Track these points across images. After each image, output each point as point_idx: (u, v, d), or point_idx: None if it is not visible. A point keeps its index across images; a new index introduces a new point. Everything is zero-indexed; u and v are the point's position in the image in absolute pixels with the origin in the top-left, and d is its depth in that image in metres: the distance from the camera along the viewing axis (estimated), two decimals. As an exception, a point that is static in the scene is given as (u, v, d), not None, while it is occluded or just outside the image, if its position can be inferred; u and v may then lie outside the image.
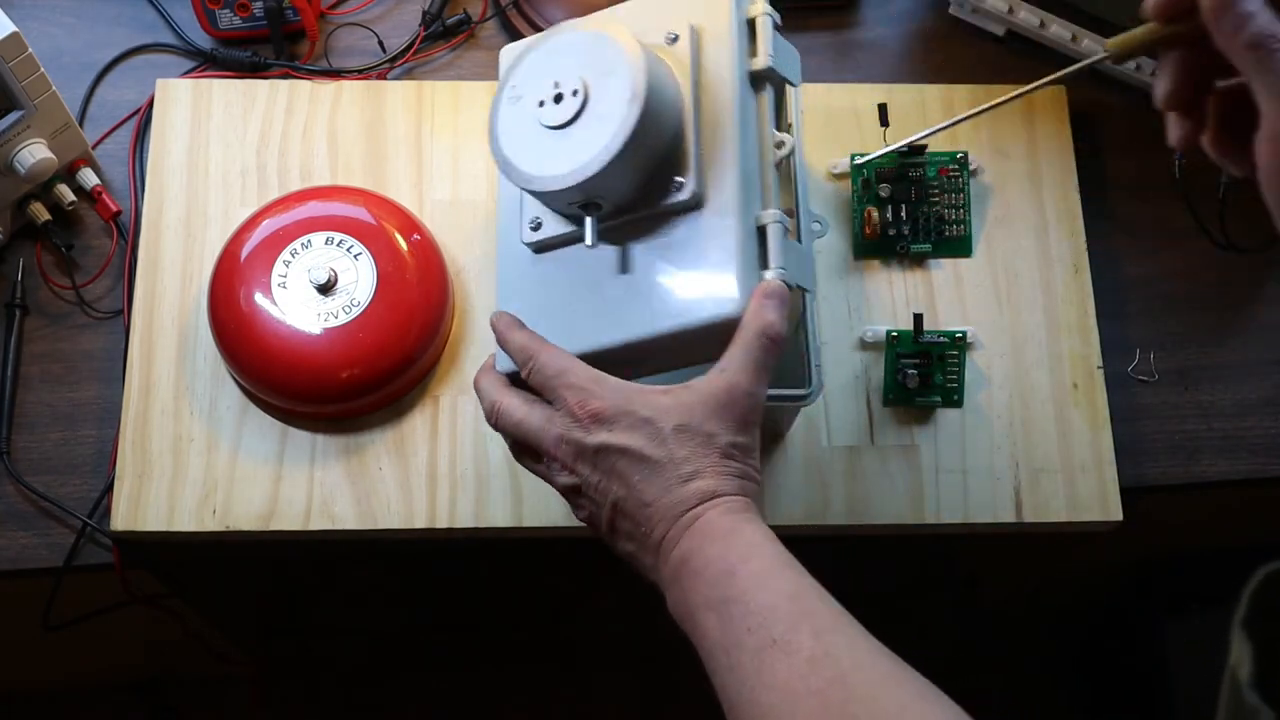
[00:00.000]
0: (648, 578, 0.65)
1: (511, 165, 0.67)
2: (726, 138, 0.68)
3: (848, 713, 0.54)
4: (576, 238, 0.70)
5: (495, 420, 0.69)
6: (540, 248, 0.72)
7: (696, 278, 0.67)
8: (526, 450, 0.69)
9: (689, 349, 0.69)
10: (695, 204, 0.67)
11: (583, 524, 0.86)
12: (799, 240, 0.72)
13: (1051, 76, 0.70)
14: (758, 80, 0.71)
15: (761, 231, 0.68)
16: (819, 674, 0.56)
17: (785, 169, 0.74)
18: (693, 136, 0.67)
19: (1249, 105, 0.54)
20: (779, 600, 0.59)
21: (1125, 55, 0.62)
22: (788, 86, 0.75)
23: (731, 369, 0.64)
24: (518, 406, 0.68)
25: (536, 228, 0.72)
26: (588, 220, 0.67)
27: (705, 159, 0.68)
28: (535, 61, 0.69)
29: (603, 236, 0.68)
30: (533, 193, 0.68)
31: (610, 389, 0.65)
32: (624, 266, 0.69)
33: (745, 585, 0.60)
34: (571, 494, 0.67)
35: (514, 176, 0.67)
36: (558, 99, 0.66)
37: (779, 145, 0.70)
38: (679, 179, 0.67)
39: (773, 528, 0.85)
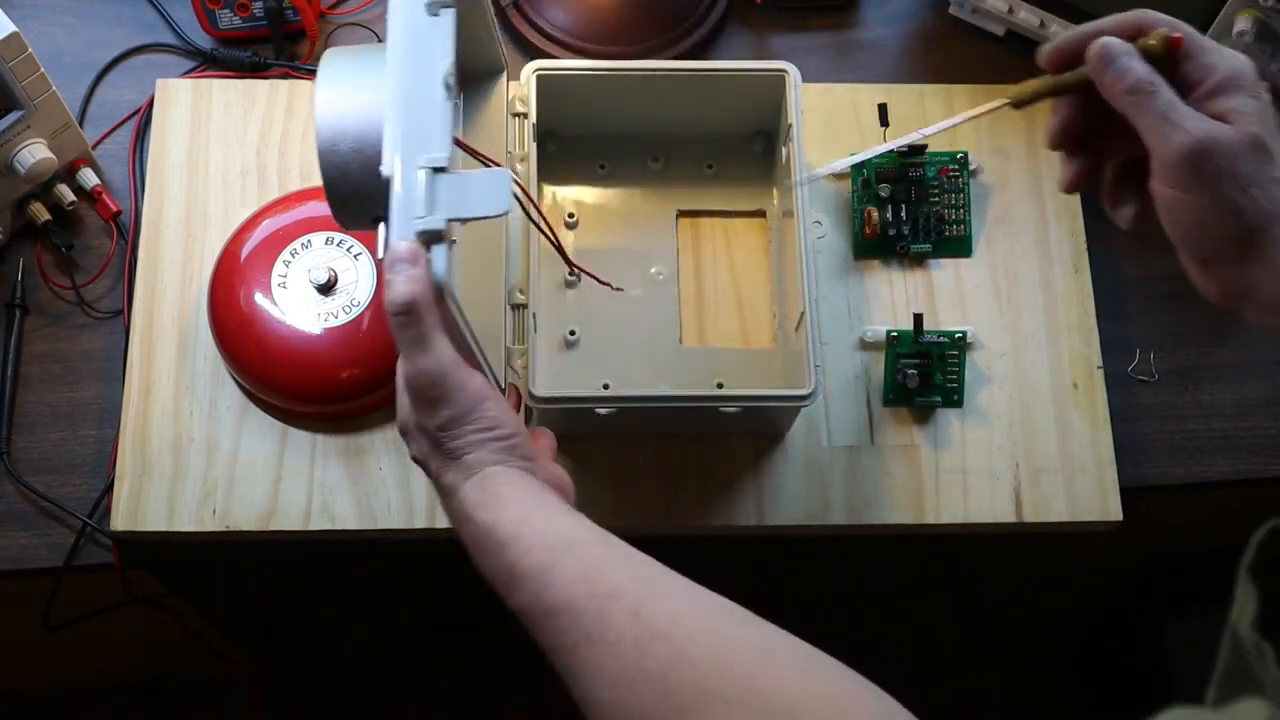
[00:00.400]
0: None
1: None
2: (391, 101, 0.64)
3: (704, 688, 0.52)
4: None
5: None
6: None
7: None
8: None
9: None
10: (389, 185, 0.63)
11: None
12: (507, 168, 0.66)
13: (962, 116, 0.73)
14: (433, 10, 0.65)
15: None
16: (652, 656, 0.53)
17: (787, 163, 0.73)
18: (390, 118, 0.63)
19: (1140, 164, 0.62)
20: (573, 590, 0.56)
21: (1023, 103, 0.68)
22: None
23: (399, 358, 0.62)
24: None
25: None
26: (379, 230, 0.64)
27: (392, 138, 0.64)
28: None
29: None
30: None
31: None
32: None
33: (532, 587, 0.58)
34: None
35: None
36: None
37: (448, 83, 0.64)
38: (382, 168, 0.62)
39: (773, 527, 0.86)
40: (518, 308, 0.79)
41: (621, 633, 0.54)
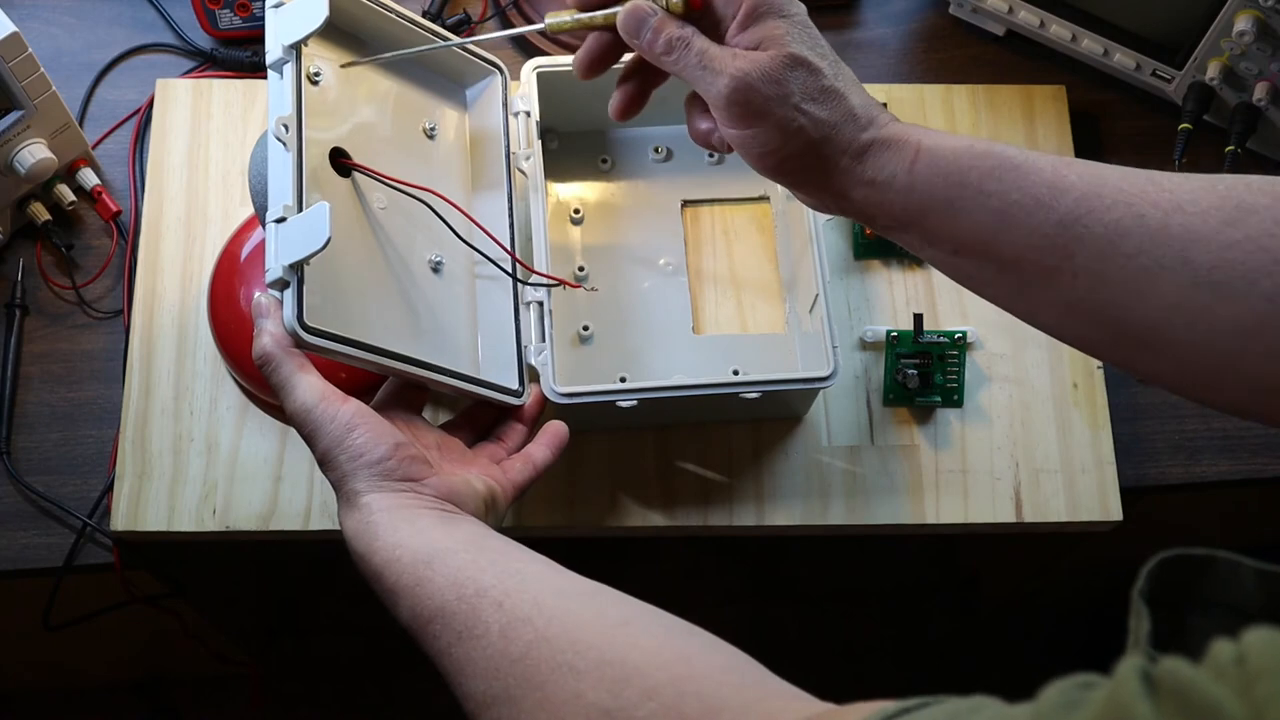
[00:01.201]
0: None
1: None
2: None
3: (560, 663, 0.53)
4: None
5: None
6: None
7: None
8: None
9: None
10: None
11: (583, 524, 0.86)
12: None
13: (493, 35, 0.81)
14: (275, 68, 0.71)
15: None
16: (516, 641, 0.55)
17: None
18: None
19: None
20: (444, 595, 0.59)
21: (557, 34, 0.74)
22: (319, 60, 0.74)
23: None
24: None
25: None
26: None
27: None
28: None
29: None
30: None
31: None
32: None
33: (409, 604, 0.60)
34: None
35: None
36: None
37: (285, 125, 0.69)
38: None
39: (773, 527, 0.86)
40: (530, 304, 0.79)
41: (488, 625, 0.56)
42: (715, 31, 0.64)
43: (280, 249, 0.65)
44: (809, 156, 0.62)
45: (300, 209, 0.66)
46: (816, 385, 0.79)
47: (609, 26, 0.67)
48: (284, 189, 0.67)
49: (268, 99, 0.69)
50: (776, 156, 0.63)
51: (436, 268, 0.78)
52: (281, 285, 0.65)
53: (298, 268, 0.65)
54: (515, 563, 0.61)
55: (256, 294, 0.67)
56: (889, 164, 0.61)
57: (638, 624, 0.55)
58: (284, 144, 0.67)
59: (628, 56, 0.70)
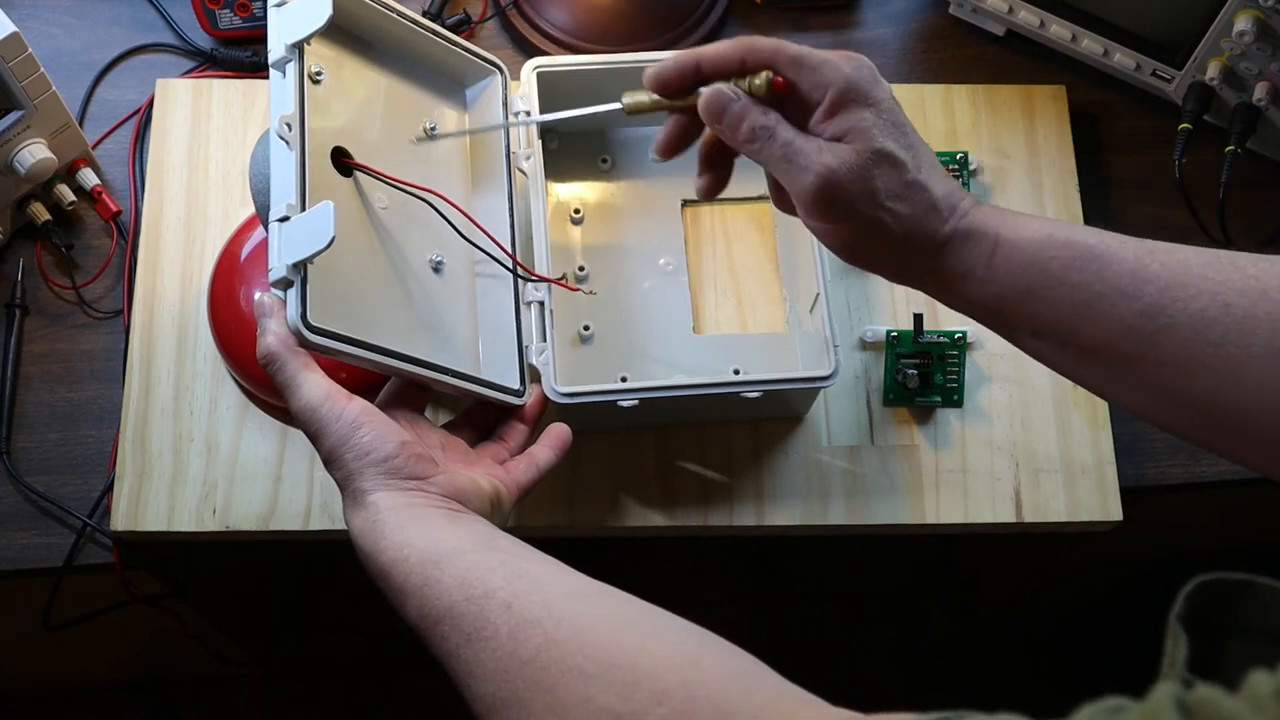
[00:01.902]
0: None
1: None
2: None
3: (568, 666, 0.53)
4: None
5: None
6: None
7: None
8: None
9: None
10: None
11: (583, 524, 0.86)
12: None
13: (576, 112, 0.73)
14: (277, 66, 0.71)
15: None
16: (525, 644, 0.55)
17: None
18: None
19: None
20: (452, 596, 0.59)
21: (637, 113, 0.68)
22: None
23: None
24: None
25: None
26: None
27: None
28: None
29: None
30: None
31: None
32: None
33: (417, 603, 0.60)
34: None
35: None
36: None
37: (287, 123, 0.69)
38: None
39: (773, 527, 0.86)
40: (530, 304, 0.79)
41: (497, 627, 0.56)
42: (800, 114, 0.63)
43: (284, 248, 0.65)
44: (890, 251, 0.63)
45: (303, 208, 0.66)
46: (817, 385, 0.79)
47: (689, 108, 0.65)
48: (287, 187, 0.67)
49: (270, 98, 0.70)
50: (857, 250, 0.64)
51: (437, 267, 0.78)
52: (285, 284, 0.65)
53: (301, 267, 0.65)
54: (524, 563, 0.60)
55: (258, 294, 0.67)
56: (968, 257, 0.61)
57: (647, 626, 0.55)
58: (287, 142, 0.68)
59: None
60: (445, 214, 0.76)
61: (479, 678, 0.56)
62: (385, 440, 0.65)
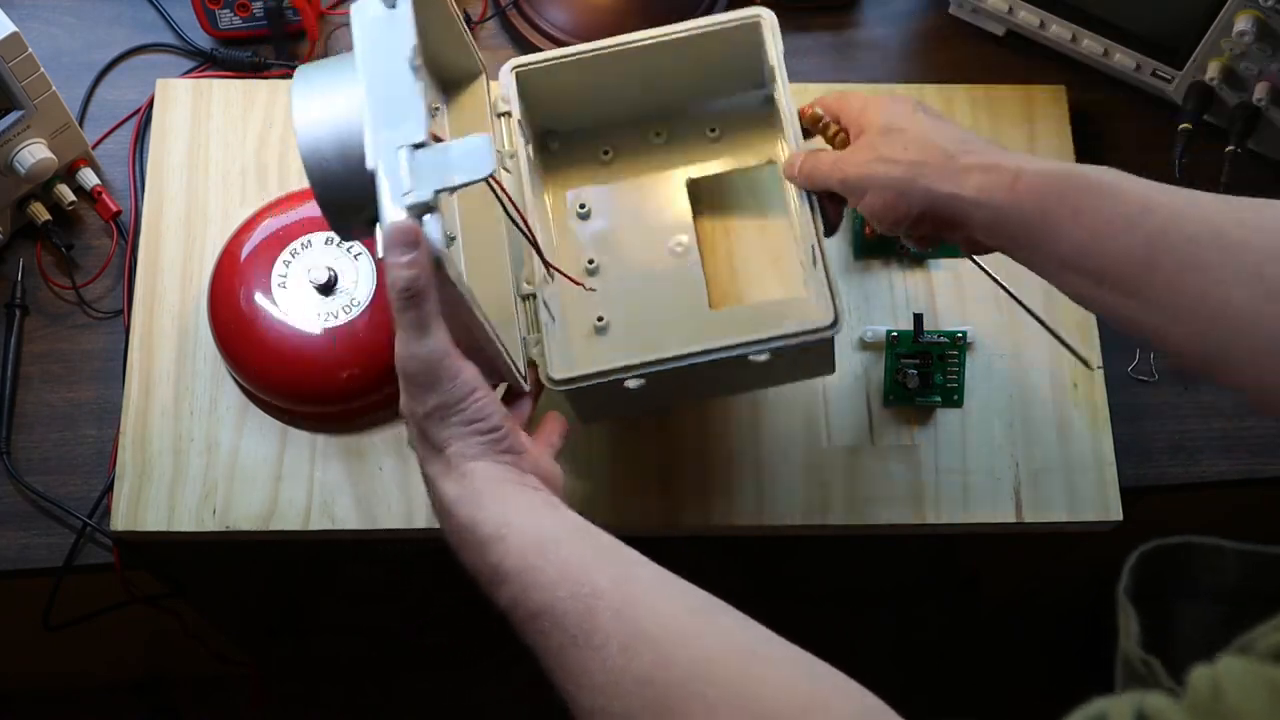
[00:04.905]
0: None
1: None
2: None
3: (690, 692, 0.51)
4: None
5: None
6: None
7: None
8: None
9: None
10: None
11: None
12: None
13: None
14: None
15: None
16: (638, 660, 0.52)
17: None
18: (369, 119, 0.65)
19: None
20: (556, 593, 0.56)
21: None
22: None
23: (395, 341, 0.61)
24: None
25: None
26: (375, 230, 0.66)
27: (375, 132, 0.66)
28: None
29: None
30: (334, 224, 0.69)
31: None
32: None
33: (513, 590, 0.57)
34: None
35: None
36: None
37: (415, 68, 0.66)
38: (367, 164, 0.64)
39: (773, 527, 0.86)
40: (527, 298, 0.78)
41: (607, 636, 0.54)
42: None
43: (422, 174, 0.61)
44: (912, 186, 0.69)
45: (428, 138, 0.63)
46: (820, 335, 0.74)
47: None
48: (418, 117, 0.63)
49: (400, 32, 0.66)
50: (889, 209, 0.71)
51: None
52: (426, 210, 0.60)
53: (437, 197, 0.61)
54: (628, 565, 0.58)
55: (389, 221, 0.59)
56: (989, 184, 0.66)
57: (766, 654, 0.54)
58: (415, 69, 0.64)
59: None
60: (514, 217, 0.75)
61: (585, 688, 0.54)
62: (494, 410, 0.62)
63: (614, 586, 0.56)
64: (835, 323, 0.74)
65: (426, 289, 0.58)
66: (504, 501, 0.60)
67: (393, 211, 0.60)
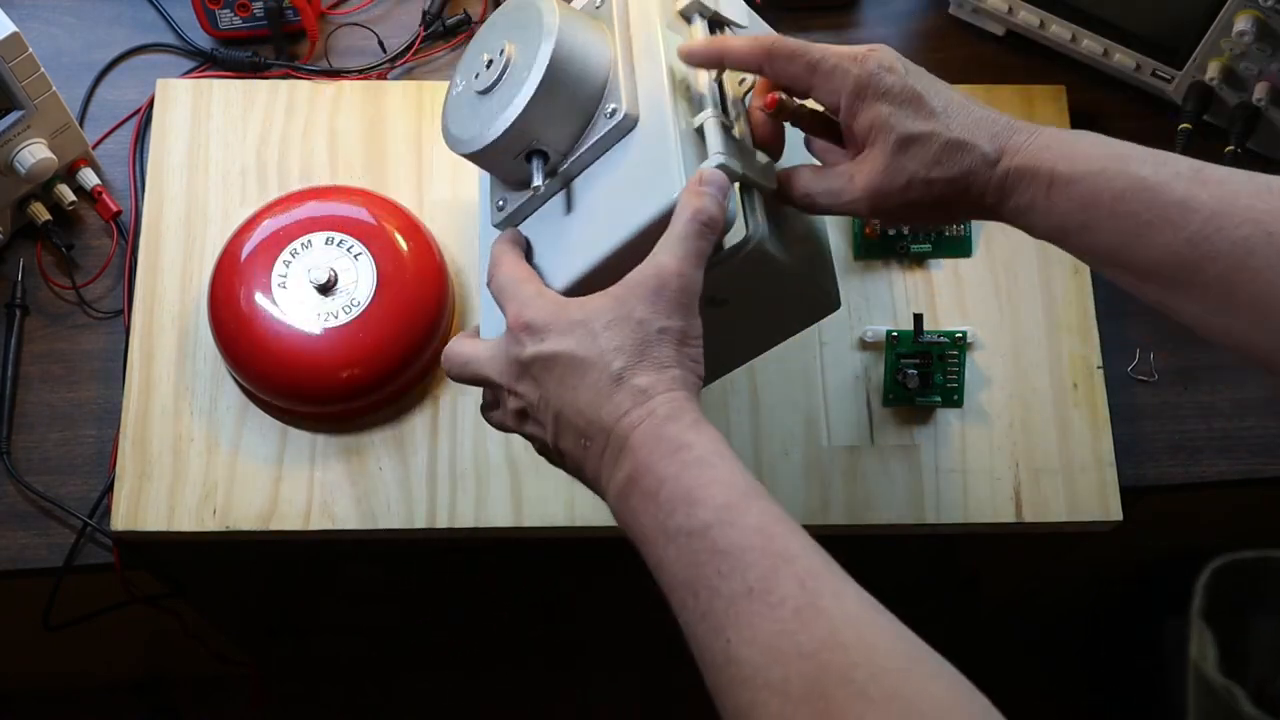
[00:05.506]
0: (599, 494, 0.63)
1: (453, 137, 0.69)
2: (656, 64, 0.68)
3: (848, 678, 0.50)
4: (535, 203, 0.70)
5: (449, 369, 0.67)
6: (507, 224, 0.72)
7: (639, 185, 0.66)
8: (487, 398, 0.67)
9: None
10: (630, 125, 0.67)
11: (584, 524, 0.86)
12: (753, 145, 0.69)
13: None
14: (686, 16, 0.71)
15: (699, 132, 0.66)
16: (809, 632, 0.51)
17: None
18: (623, 71, 0.68)
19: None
20: (750, 539, 0.54)
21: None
22: (734, 28, 0.73)
23: (660, 253, 0.61)
24: (466, 345, 0.66)
25: (501, 208, 0.72)
26: (533, 163, 0.68)
27: (638, 87, 0.68)
28: (473, 44, 0.72)
29: (559, 183, 0.69)
30: (480, 161, 0.70)
31: (547, 299, 0.63)
32: (575, 202, 0.69)
33: (709, 518, 0.55)
34: (523, 423, 0.64)
35: (457, 146, 0.69)
36: (488, 65, 0.69)
37: (740, 82, 0.70)
38: (612, 106, 0.67)
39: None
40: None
41: (784, 596, 0.52)
42: (832, 109, 0.67)
43: (734, 151, 0.64)
44: (955, 206, 0.66)
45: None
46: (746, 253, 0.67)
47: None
48: (711, 99, 0.67)
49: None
50: (927, 217, 0.69)
51: None
52: (733, 176, 0.64)
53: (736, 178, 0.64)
54: (807, 539, 0.57)
55: (709, 168, 0.63)
56: (1026, 193, 0.65)
57: (929, 665, 0.53)
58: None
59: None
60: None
61: (746, 642, 0.52)
62: (703, 365, 0.63)
63: (804, 554, 0.55)
64: (748, 239, 0.67)
65: (719, 229, 0.62)
66: (714, 438, 0.60)
67: (713, 163, 0.63)
